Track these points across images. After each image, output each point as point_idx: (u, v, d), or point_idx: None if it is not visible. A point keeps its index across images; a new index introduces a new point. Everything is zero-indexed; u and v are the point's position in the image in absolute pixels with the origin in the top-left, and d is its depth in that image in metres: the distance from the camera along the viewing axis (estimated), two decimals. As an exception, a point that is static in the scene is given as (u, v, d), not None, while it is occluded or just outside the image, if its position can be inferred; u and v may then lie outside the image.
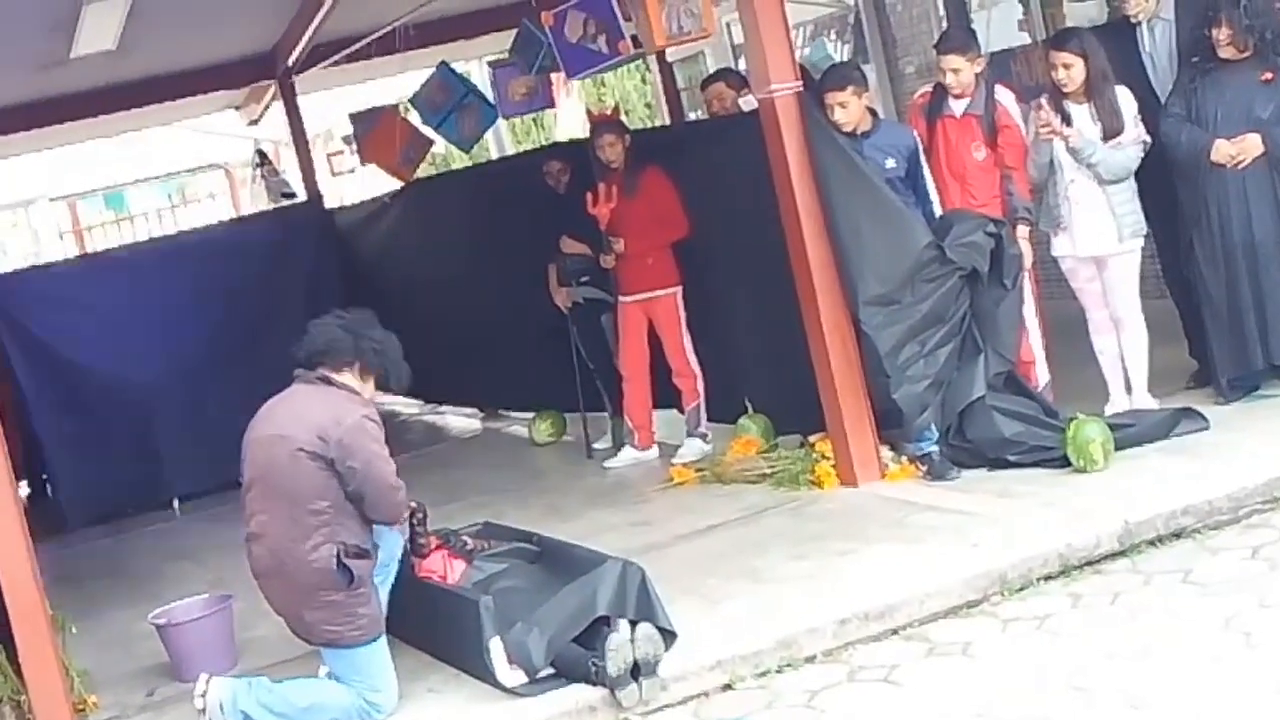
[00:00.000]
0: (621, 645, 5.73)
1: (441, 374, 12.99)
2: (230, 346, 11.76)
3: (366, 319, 6.28)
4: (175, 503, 11.82)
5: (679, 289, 9.62)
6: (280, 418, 6.07)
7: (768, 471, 8.61)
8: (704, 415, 9.71)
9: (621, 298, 9.73)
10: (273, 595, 6.04)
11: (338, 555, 5.80)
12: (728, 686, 5.96)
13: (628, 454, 9.90)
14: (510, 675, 5.99)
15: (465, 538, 6.78)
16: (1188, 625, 5.68)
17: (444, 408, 14.09)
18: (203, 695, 5.92)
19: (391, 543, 6.26)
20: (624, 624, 5.93)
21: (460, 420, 13.57)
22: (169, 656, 7.09)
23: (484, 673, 6.05)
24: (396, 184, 13.67)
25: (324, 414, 5.94)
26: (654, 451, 9.88)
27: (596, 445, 10.38)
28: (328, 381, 6.08)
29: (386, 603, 6.15)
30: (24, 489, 12.65)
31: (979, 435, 7.90)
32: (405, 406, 14.72)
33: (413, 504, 6.45)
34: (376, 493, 5.97)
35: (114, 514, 11.65)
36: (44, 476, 12.22)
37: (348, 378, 6.12)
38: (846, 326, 7.97)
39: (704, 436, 9.66)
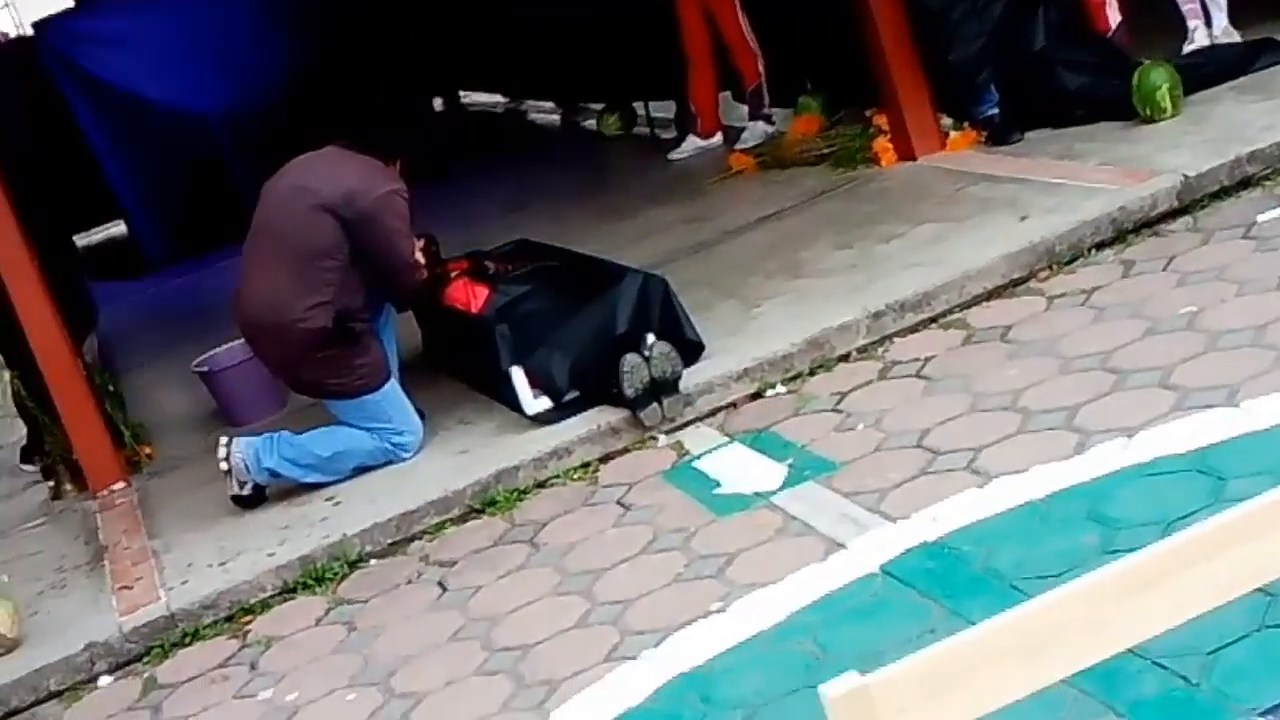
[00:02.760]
0: (636, 366, 5.48)
1: (523, 68, 12.69)
2: (304, 76, 11.45)
3: (418, 110, 5.91)
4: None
5: (732, -33, 9.06)
6: (309, 172, 5.82)
7: (826, 151, 8.21)
8: (766, 96, 9.24)
9: (674, -20, 9.21)
10: (266, 352, 5.87)
11: (336, 316, 5.58)
12: (756, 395, 5.70)
13: (691, 143, 9.53)
14: (534, 403, 5.80)
15: (487, 262, 6.51)
16: (1240, 286, 5.23)
17: (526, 102, 13.73)
18: (225, 459, 5.82)
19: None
20: (650, 339, 5.68)
21: (540, 115, 13.22)
22: (216, 402, 7.02)
23: (510, 400, 5.87)
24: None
25: (355, 179, 5.67)
26: (718, 138, 9.48)
27: (663, 135, 9.99)
28: (364, 150, 5.79)
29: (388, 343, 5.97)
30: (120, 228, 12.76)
31: (1042, 92, 7.37)
32: (489, 101, 14.42)
33: (425, 235, 6.19)
34: (393, 270, 5.74)
35: (191, 251, 11.56)
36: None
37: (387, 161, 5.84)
38: (892, -11, 7.40)
39: (767, 119, 9.23)
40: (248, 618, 5.22)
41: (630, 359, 5.48)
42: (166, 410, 7.60)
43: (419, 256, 5.99)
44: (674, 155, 9.56)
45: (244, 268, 5.84)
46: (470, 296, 6.28)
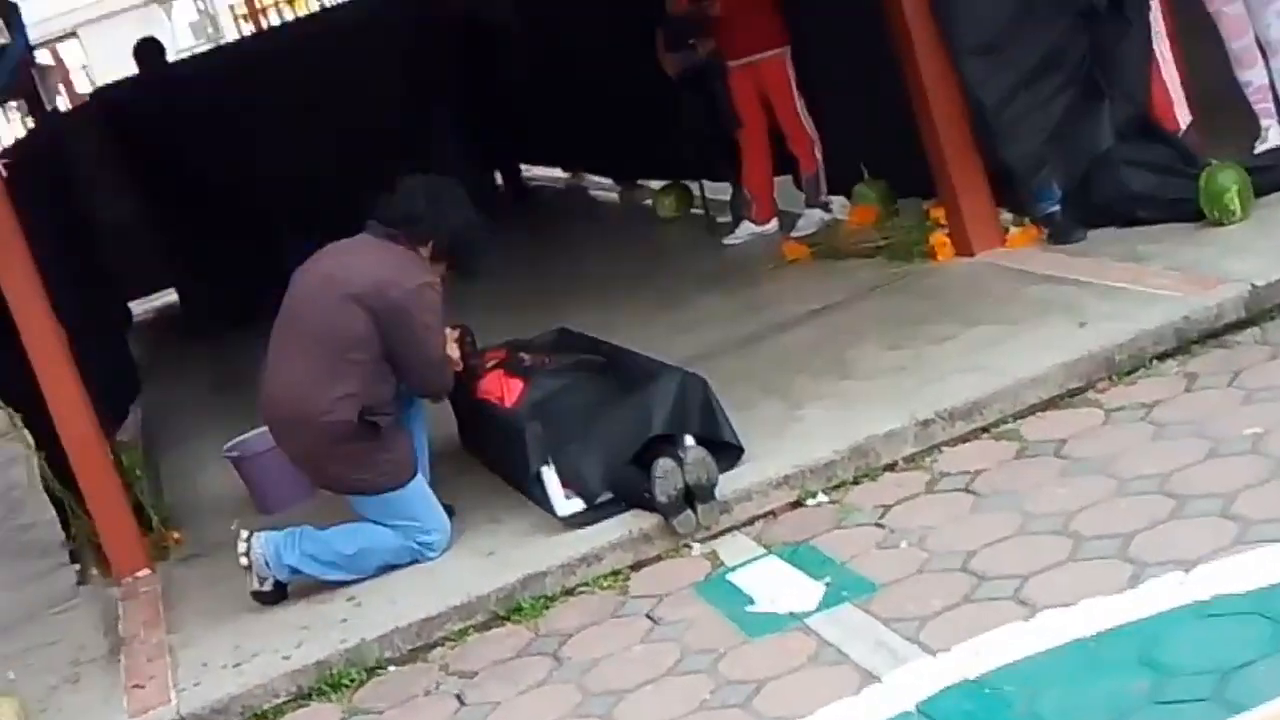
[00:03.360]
0: (669, 471, 5.26)
1: (582, 143, 12.60)
2: (354, 147, 11.37)
3: (455, 194, 5.75)
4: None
5: (787, 49, 8.91)
6: (340, 261, 5.67)
7: (882, 243, 7.99)
8: (824, 184, 9.05)
9: (729, 63, 9.05)
10: (289, 443, 5.70)
11: (360, 412, 5.41)
12: (797, 504, 5.47)
13: (746, 228, 9.35)
14: (566, 504, 5.59)
15: (523, 355, 6.33)
16: (1310, 409, 4.98)
17: (587, 178, 13.61)
18: (245, 554, 5.65)
19: None
20: (689, 441, 5.48)
21: (599, 192, 13.09)
22: (247, 489, 6.86)
23: (542, 500, 5.66)
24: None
25: (387, 270, 5.51)
26: (773, 225, 9.29)
27: (719, 219, 9.81)
28: (396, 240, 5.62)
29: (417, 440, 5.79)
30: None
31: (1106, 192, 7.13)
32: (548, 175, 14.33)
33: (460, 327, 6.03)
34: (422, 366, 5.58)
35: (241, 320, 11.44)
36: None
37: (419, 250, 5.66)
38: (951, 81, 7.18)
39: (824, 206, 9.04)
40: (259, 727, 5.03)
41: (663, 464, 5.27)
42: (202, 492, 7.45)
43: (452, 350, 5.83)
44: (728, 241, 9.38)
45: (270, 356, 5.69)
46: (504, 390, 6.11)
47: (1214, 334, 5.80)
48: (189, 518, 7.05)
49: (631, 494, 5.49)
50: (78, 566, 6.62)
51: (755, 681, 4.36)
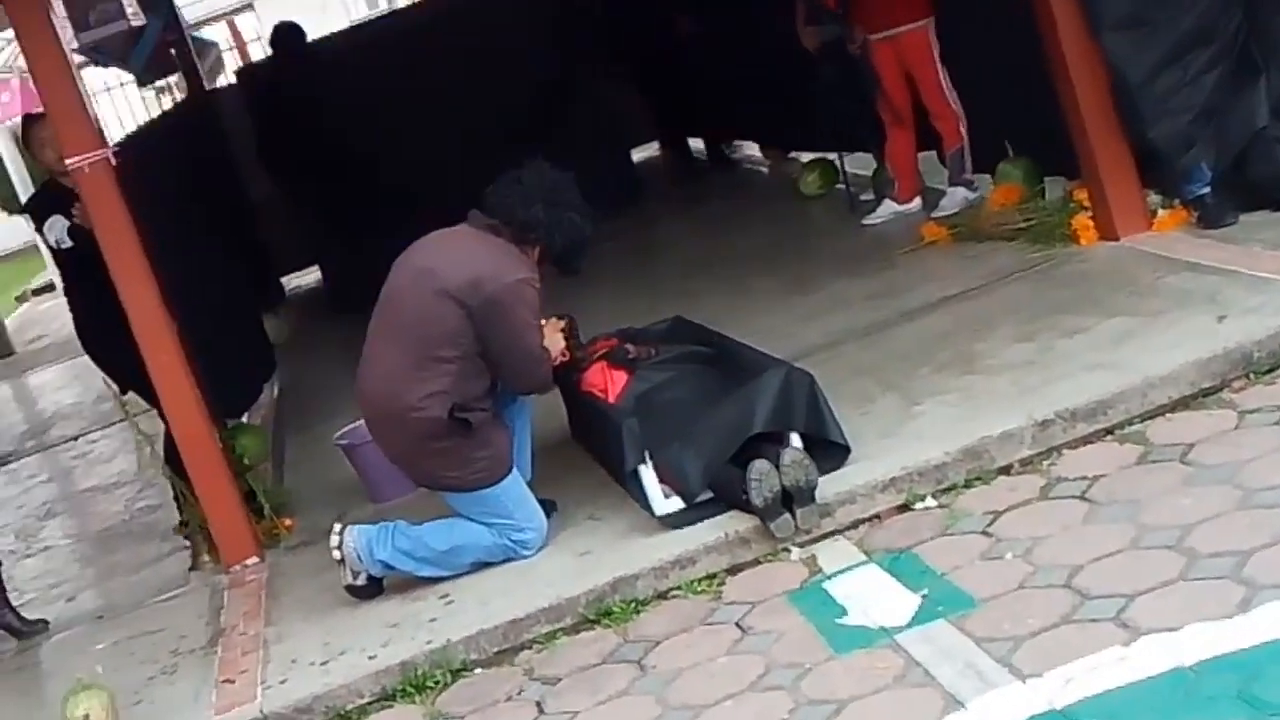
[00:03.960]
0: (765, 474, 5.04)
1: (734, 113, 12.34)
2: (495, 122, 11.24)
3: (571, 197, 5.53)
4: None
5: (930, 21, 8.55)
6: (438, 253, 5.53)
7: (1023, 225, 7.62)
8: (969, 161, 8.69)
9: (870, 36, 8.73)
10: (382, 440, 5.59)
11: (450, 409, 5.28)
12: (904, 507, 5.21)
13: (887, 207, 9.03)
14: (664, 503, 5.40)
15: (628, 345, 6.13)
16: None
17: (739, 148, 13.33)
18: (337, 547, 5.56)
19: None
20: (795, 440, 5.26)
21: (749, 165, 12.82)
22: (358, 477, 6.79)
23: (640, 498, 5.48)
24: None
25: (484, 265, 5.35)
26: (916, 204, 8.96)
27: (862, 197, 9.50)
28: (498, 233, 5.47)
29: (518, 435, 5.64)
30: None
31: (1260, 172, 6.71)
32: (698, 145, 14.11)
33: (565, 317, 5.86)
34: (518, 362, 5.42)
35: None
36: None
37: (524, 248, 5.49)
38: (1094, 57, 6.79)
39: (969, 184, 8.67)
40: (344, 727, 4.94)
41: (759, 465, 5.05)
42: (322, 478, 7.36)
43: (555, 342, 5.67)
44: (868, 221, 9.07)
45: (365, 349, 5.59)
46: (608, 383, 5.92)
47: (1364, 331, 5.39)
48: (306, 504, 7.00)
49: (730, 495, 5.27)
50: (190, 553, 6.63)
51: (837, 702, 4.14)
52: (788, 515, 5.08)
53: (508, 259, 5.40)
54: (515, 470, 5.50)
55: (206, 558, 6.55)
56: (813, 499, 5.12)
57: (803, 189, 10.45)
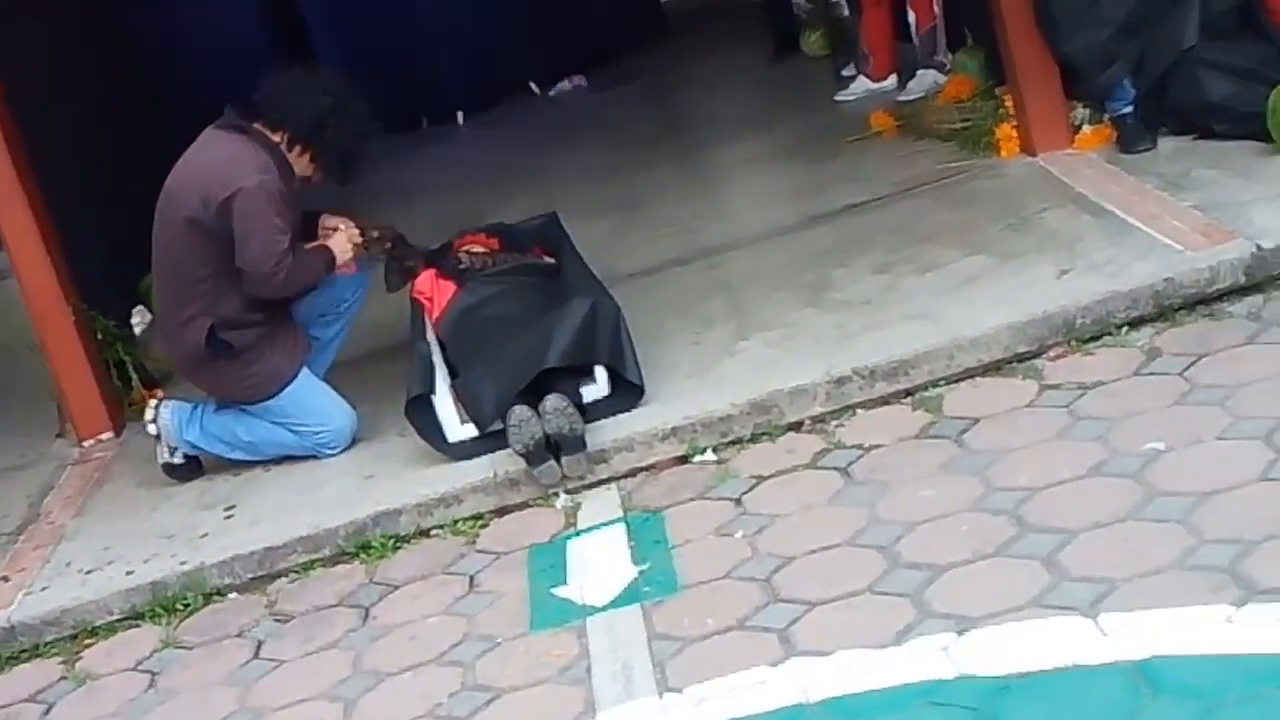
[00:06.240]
0: (524, 421, 4.86)
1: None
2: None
3: (327, 83, 5.37)
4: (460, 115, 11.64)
5: (905, -114, 8.04)
6: (181, 170, 5.36)
7: (958, 128, 7.20)
8: (942, 42, 8.23)
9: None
10: (169, 360, 5.57)
11: (210, 331, 5.17)
12: (683, 459, 5.01)
13: (861, 84, 8.64)
14: (458, 429, 5.25)
15: (461, 254, 5.93)
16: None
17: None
18: (153, 420, 5.56)
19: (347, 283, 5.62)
20: (599, 372, 5.11)
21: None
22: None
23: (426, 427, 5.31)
24: None
25: (216, 175, 5.18)
26: (890, 81, 8.57)
27: (844, 73, 9.07)
28: (243, 131, 5.27)
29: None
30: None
31: (1180, 97, 6.23)
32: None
33: (387, 229, 5.70)
34: (247, 266, 5.20)
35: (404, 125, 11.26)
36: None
37: (275, 142, 5.29)
38: (1018, -44, 6.32)
39: (940, 66, 8.23)
40: (90, 640, 4.94)
41: (518, 412, 4.88)
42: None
43: (343, 246, 5.47)
44: (840, 97, 8.69)
45: None
46: (435, 292, 5.74)
47: (1203, 300, 5.00)
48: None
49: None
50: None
51: (494, 691, 4.02)
52: (553, 462, 4.92)
53: (238, 165, 5.19)
54: (303, 375, 5.40)
55: (69, 426, 6.56)
56: (582, 446, 4.94)
57: (804, 49, 10.04)
